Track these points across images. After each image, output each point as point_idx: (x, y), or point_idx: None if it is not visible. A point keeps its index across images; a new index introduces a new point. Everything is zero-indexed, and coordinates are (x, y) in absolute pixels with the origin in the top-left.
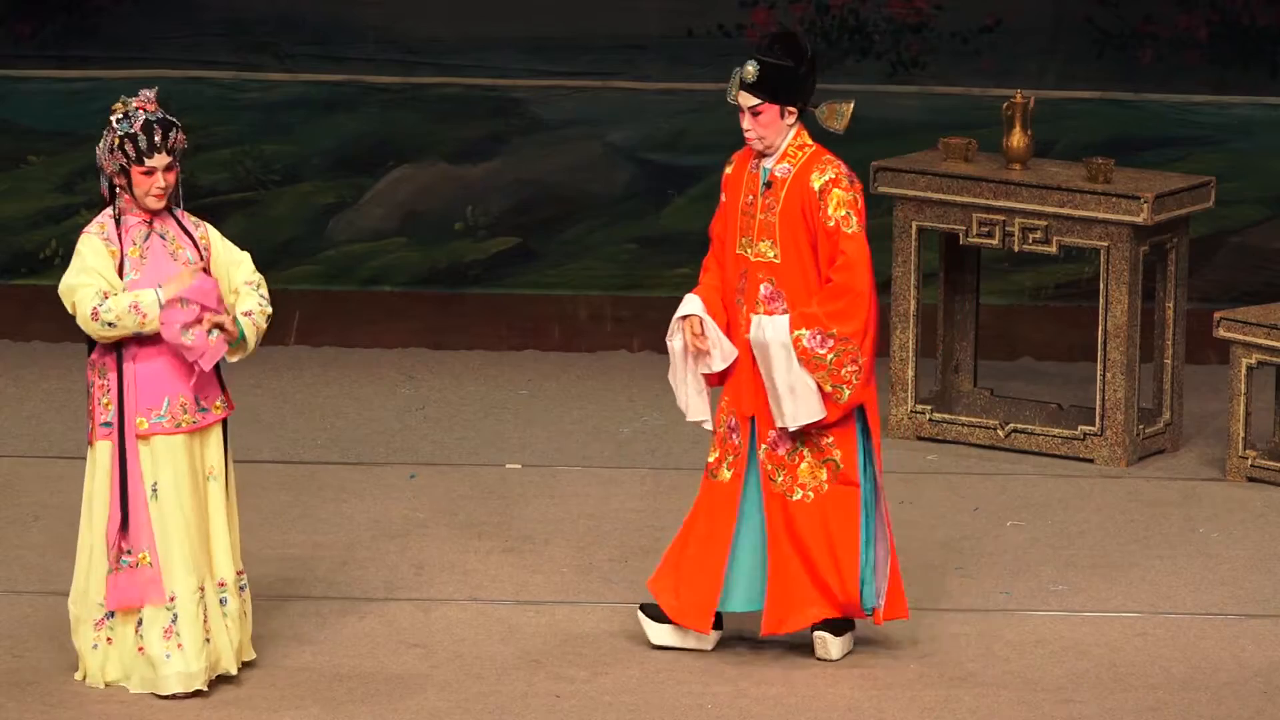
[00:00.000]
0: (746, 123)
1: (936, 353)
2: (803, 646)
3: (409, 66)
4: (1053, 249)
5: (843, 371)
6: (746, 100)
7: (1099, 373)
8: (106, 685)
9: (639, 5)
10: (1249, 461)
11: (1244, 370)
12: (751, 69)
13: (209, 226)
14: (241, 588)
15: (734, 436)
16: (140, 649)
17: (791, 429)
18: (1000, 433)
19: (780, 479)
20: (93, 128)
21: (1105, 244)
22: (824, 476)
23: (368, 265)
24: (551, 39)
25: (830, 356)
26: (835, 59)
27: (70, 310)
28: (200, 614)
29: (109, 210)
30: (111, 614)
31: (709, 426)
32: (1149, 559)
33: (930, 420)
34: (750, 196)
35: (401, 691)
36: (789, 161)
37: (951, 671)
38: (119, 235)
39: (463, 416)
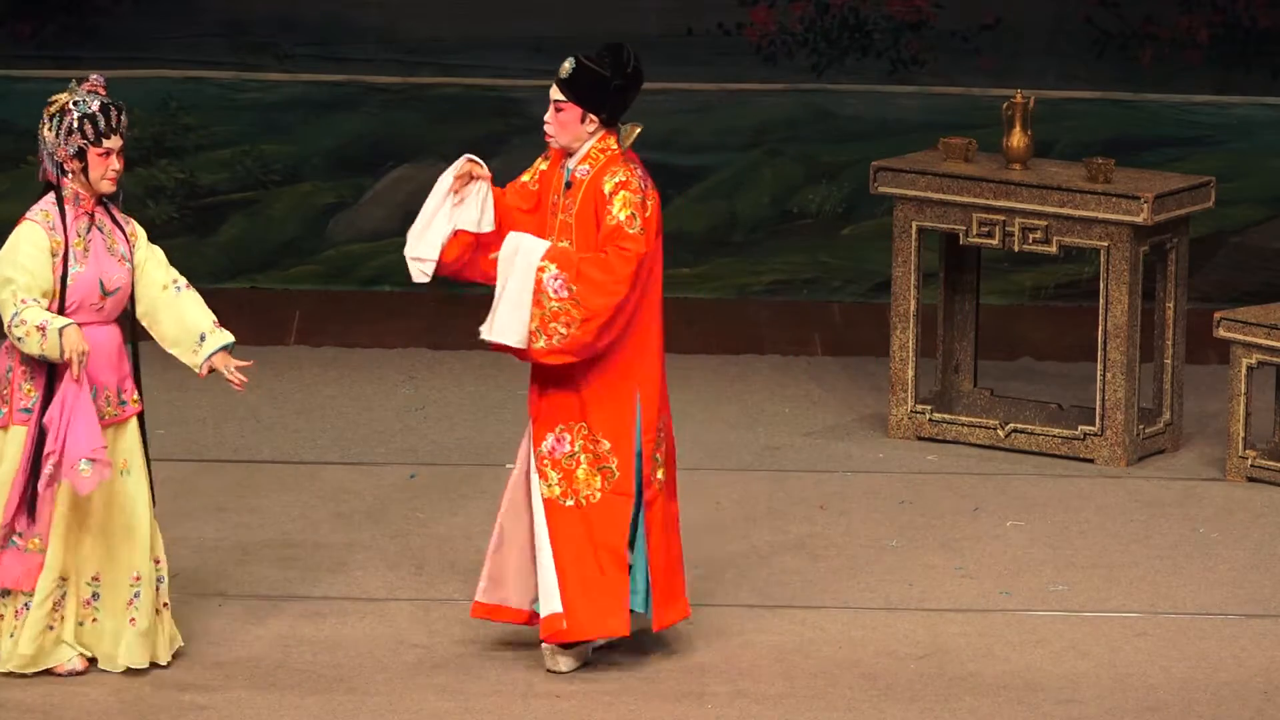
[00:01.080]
0: (548, 115)
1: (936, 353)
2: (803, 647)
3: (409, 66)
4: (1053, 249)
5: (551, 325)
6: (554, 94)
7: (1099, 373)
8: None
9: (639, 5)
10: (1249, 461)
11: (1244, 370)
12: (567, 65)
13: (136, 224)
14: (159, 579)
15: (528, 436)
16: (133, 620)
17: (484, 336)
18: (1000, 433)
19: (555, 483)
20: None
21: (1105, 244)
22: (598, 485)
23: (368, 265)
24: (551, 39)
25: (554, 305)
26: (835, 57)
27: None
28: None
29: (51, 197)
30: (6, 593)
31: (423, 273)
32: (1149, 559)
33: (930, 420)
34: (555, 196)
35: (401, 691)
36: (589, 164)
37: (951, 671)
38: (63, 224)
39: (463, 416)
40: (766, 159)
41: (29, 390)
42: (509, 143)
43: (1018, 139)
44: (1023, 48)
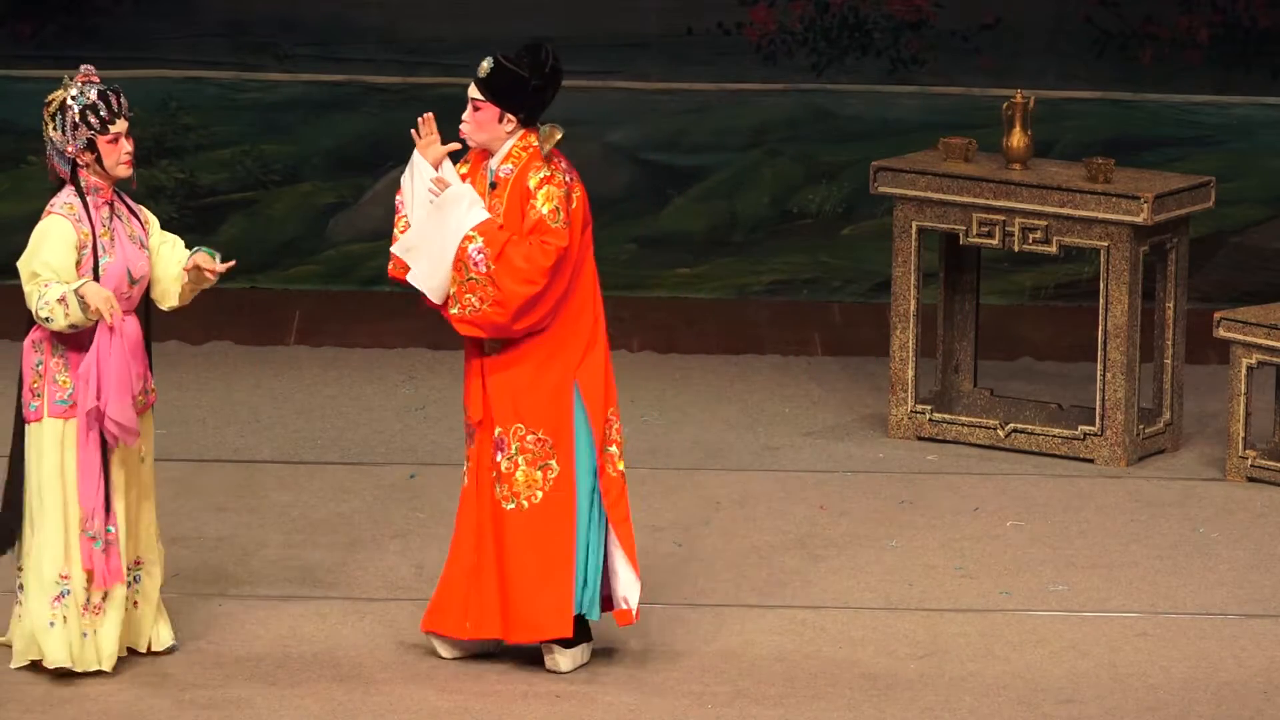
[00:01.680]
0: (466, 113)
1: (936, 353)
2: (803, 647)
3: (409, 66)
4: (1053, 249)
5: (466, 296)
6: (472, 92)
7: (1099, 373)
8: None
9: (639, 5)
10: (1249, 461)
11: (1244, 370)
12: (485, 65)
13: (147, 210)
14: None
15: (470, 442)
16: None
17: (409, 283)
18: (1000, 433)
19: (499, 488)
20: None
21: (1105, 244)
22: (539, 484)
23: (368, 265)
24: (551, 39)
25: (471, 275)
26: (835, 57)
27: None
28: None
29: (71, 190)
30: (68, 591)
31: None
32: (1149, 559)
33: (930, 420)
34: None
35: (401, 691)
36: (513, 162)
37: (951, 671)
38: (88, 216)
39: (462, 416)
40: (766, 159)
41: (65, 381)
42: None
43: (1018, 139)
44: (1023, 47)
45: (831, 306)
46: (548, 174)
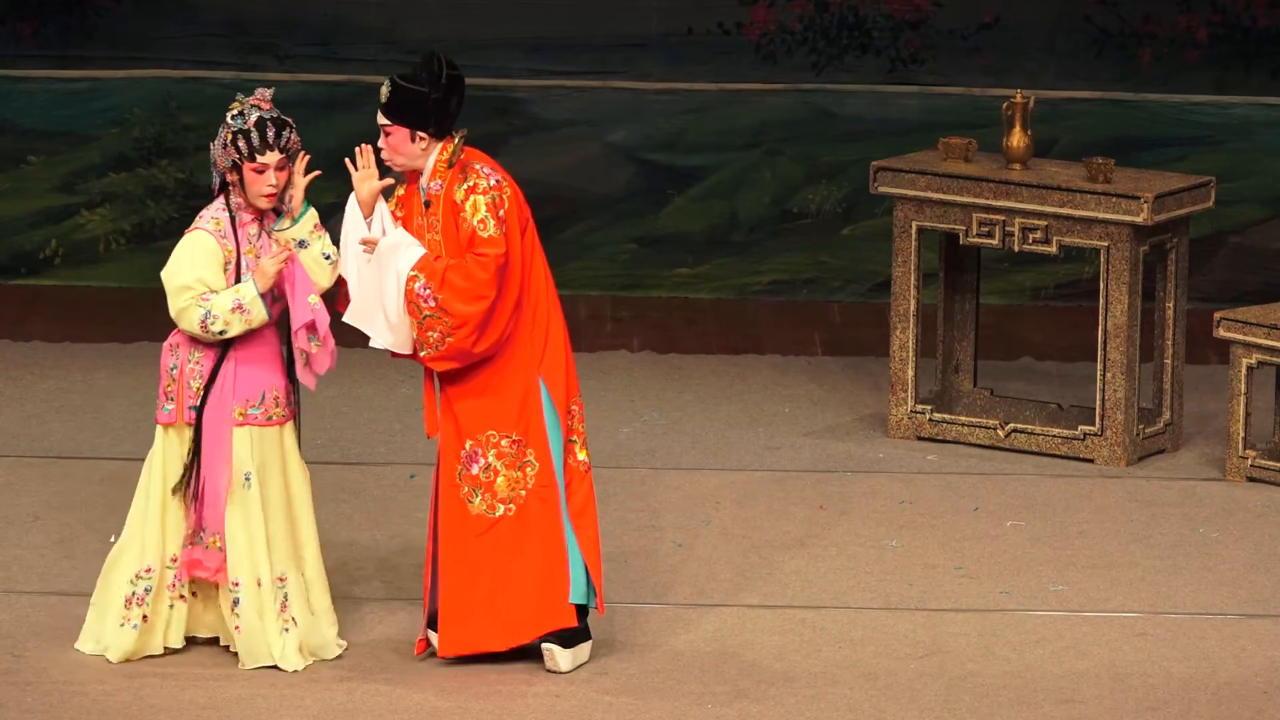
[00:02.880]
0: (380, 141)
1: (936, 353)
2: (802, 647)
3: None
4: (1053, 249)
5: (428, 334)
6: (380, 119)
7: (1099, 373)
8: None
9: (639, 5)
10: (1249, 461)
11: (1244, 370)
12: (384, 90)
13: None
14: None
15: (439, 460)
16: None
17: (376, 345)
18: (1000, 433)
19: (478, 500)
20: (93, 128)
21: (1105, 244)
22: (521, 483)
23: None
24: (551, 39)
25: (426, 313)
26: (834, 56)
27: (171, 305)
28: (270, 601)
29: (221, 204)
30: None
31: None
32: (1149, 559)
33: (930, 420)
34: (419, 218)
35: (402, 691)
36: (439, 178)
37: (951, 671)
38: (234, 232)
39: None
40: (766, 159)
41: (198, 389)
42: (509, 143)
43: (1018, 139)
44: (1022, 46)
45: (831, 306)
46: (471, 183)
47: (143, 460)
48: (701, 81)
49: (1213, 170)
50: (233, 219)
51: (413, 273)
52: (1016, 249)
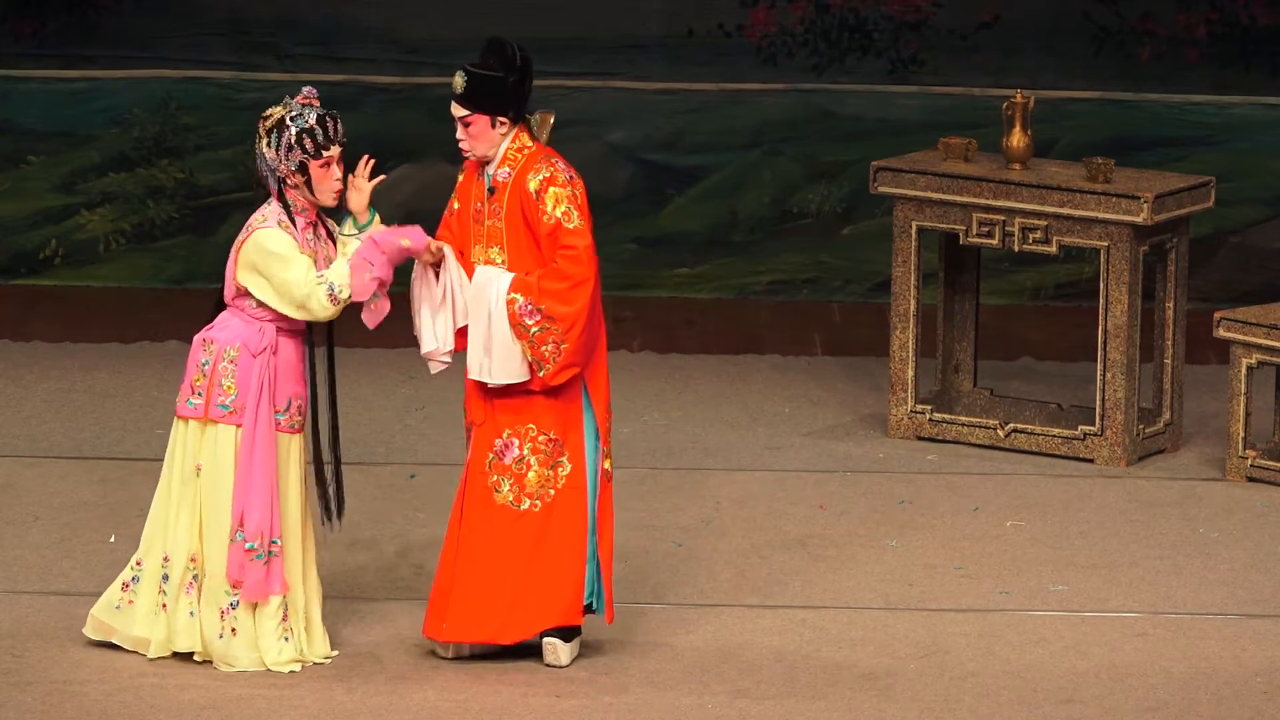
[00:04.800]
0: (459, 133)
1: (936, 353)
2: (802, 647)
3: (409, 66)
4: (1053, 249)
5: (543, 349)
6: (457, 111)
7: (1099, 373)
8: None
9: (639, 5)
10: (1249, 461)
11: (1244, 370)
12: (459, 80)
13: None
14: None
15: (468, 448)
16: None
17: (490, 384)
18: (1000, 433)
19: (506, 490)
20: (93, 128)
21: (1105, 244)
22: (552, 480)
23: None
24: (551, 39)
25: (535, 330)
26: (835, 57)
27: (294, 309)
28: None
29: (278, 207)
30: (236, 603)
31: (443, 364)
32: (1149, 559)
33: (930, 420)
34: (478, 204)
35: (402, 691)
36: (509, 166)
37: (951, 671)
38: (297, 234)
39: (462, 416)
40: (766, 159)
41: (229, 387)
42: None
43: (1018, 139)
44: (1022, 45)
45: (831, 306)
46: (548, 174)
47: (143, 460)
48: (702, 82)
49: (1213, 170)
50: (291, 221)
51: (510, 296)
52: (1016, 249)
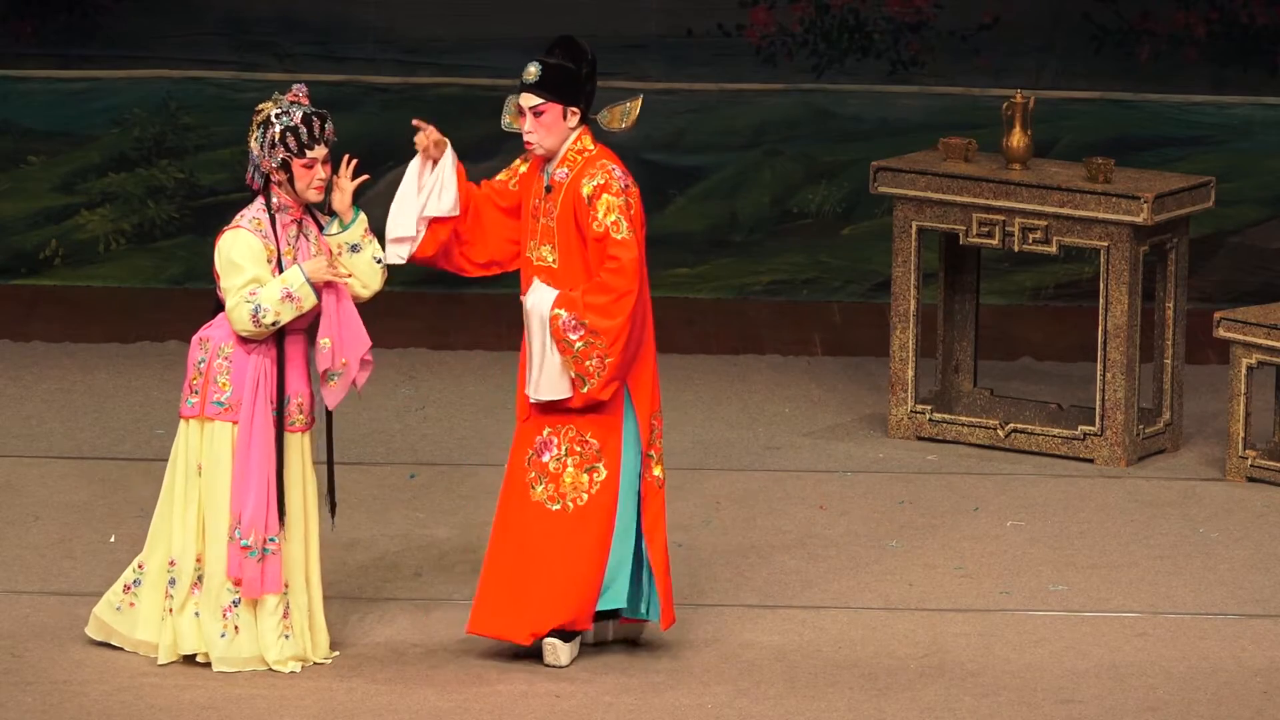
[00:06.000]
0: (528, 125)
1: (936, 353)
2: (803, 647)
3: (409, 66)
4: (1053, 249)
5: (586, 363)
6: (529, 100)
7: (1099, 373)
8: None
9: (639, 5)
10: (1249, 461)
11: (1244, 370)
12: (534, 69)
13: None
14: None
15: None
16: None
17: (532, 399)
18: (1000, 433)
19: (540, 488)
20: (93, 128)
21: (1105, 244)
22: (586, 485)
23: None
24: (551, 39)
25: (578, 345)
26: (835, 58)
27: (226, 314)
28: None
29: (260, 204)
30: (237, 601)
31: (399, 256)
32: (1149, 559)
33: (930, 420)
34: (536, 200)
35: (402, 691)
36: (568, 166)
37: (951, 671)
38: (275, 232)
39: (463, 416)
40: (766, 159)
41: (224, 384)
42: (509, 143)
43: (1018, 139)
44: (1021, 46)
45: (831, 306)
46: (602, 181)
47: (143, 460)
48: (701, 82)
49: (1213, 170)
50: (273, 219)
51: (555, 312)
52: (1016, 249)
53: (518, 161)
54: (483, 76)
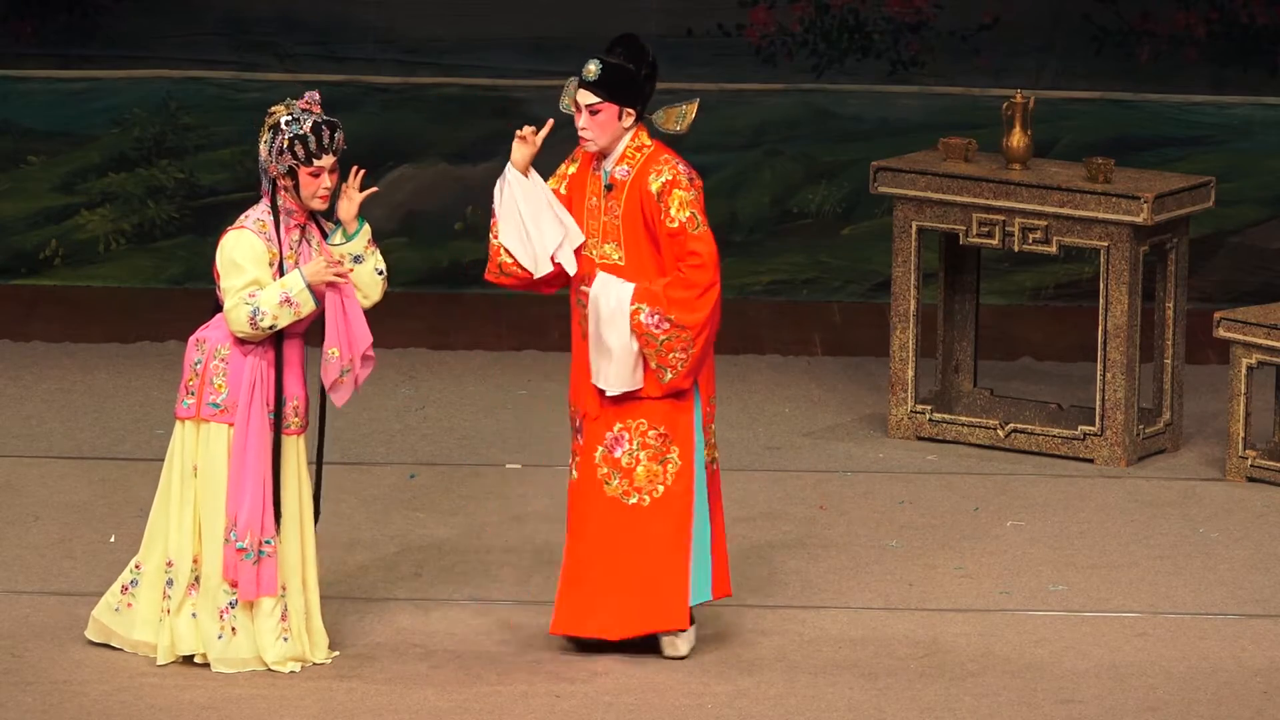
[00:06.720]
0: (583, 121)
1: (936, 353)
2: (803, 647)
3: (409, 66)
4: (1053, 249)
5: (670, 356)
6: (586, 98)
7: (1099, 373)
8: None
9: (639, 5)
10: (1249, 461)
11: (1244, 370)
12: (593, 67)
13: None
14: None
15: (579, 436)
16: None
17: (610, 393)
18: (1000, 433)
19: (615, 483)
20: (93, 128)
21: (1105, 244)
22: (660, 478)
23: None
24: (551, 39)
25: (663, 338)
26: (835, 58)
27: (225, 315)
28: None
29: (265, 205)
30: (234, 602)
31: (568, 249)
32: (1149, 559)
33: (930, 420)
34: (594, 199)
35: (402, 691)
36: (628, 164)
37: (951, 671)
38: (278, 235)
39: (463, 416)
40: (766, 159)
41: (220, 385)
42: (509, 143)
43: (1018, 139)
44: (1021, 46)
45: (831, 306)
46: (670, 177)
47: (142, 460)
48: (701, 82)
49: (1213, 170)
50: (278, 223)
51: (635, 307)
52: (1016, 249)
53: (563, 166)
54: (483, 76)
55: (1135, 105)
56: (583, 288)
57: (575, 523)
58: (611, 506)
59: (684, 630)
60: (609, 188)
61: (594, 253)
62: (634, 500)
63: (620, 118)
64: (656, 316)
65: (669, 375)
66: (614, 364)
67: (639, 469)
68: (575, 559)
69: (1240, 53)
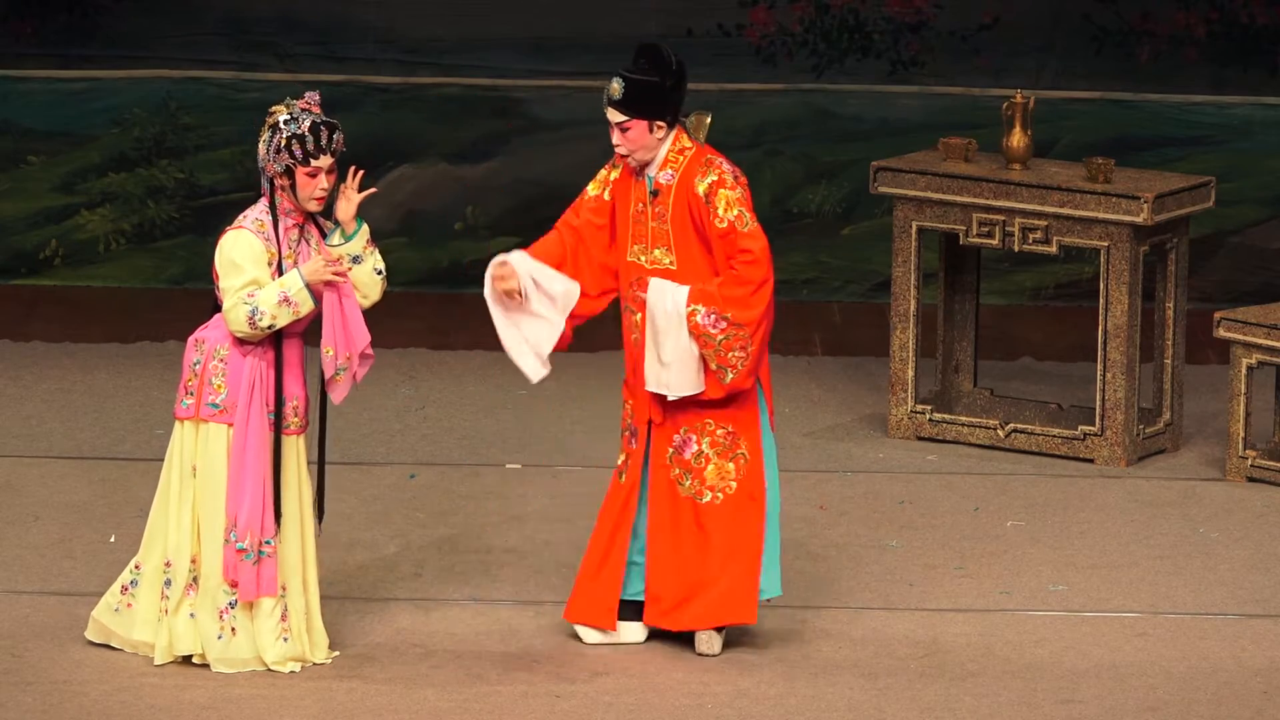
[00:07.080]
0: (616, 138)
1: (936, 353)
2: (803, 647)
3: (409, 66)
4: (1053, 249)
5: (729, 355)
6: (614, 117)
7: (1099, 373)
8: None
9: (639, 5)
10: (1249, 461)
11: (1244, 370)
12: (617, 86)
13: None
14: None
15: (633, 441)
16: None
17: (671, 398)
18: (1000, 433)
19: (689, 483)
20: (93, 128)
21: (1105, 244)
22: (732, 474)
23: None
24: (551, 39)
25: (720, 338)
26: (835, 58)
27: (224, 314)
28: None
29: (264, 205)
30: (234, 602)
31: (537, 373)
32: (1149, 559)
33: (930, 420)
34: (640, 205)
35: (402, 691)
36: (671, 168)
37: (951, 671)
38: (276, 235)
39: (463, 416)
40: (766, 159)
41: (219, 386)
42: (509, 143)
43: (1018, 139)
44: (1021, 46)
45: (831, 306)
46: (715, 178)
47: (142, 460)
48: (701, 82)
49: (1213, 170)
50: (276, 222)
51: (691, 308)
52: (1016, 249)
53: (604, 171)
54: (483, 76)
55: (1135, 105)
56: (637, 294)
57: (654, 526)
58: (687, 506)
59: (750, 624)
60: (654, 193)
61: (643, 259)
62: (707, 499)
63: (650, 130)
64: (713, 316)
65: (730, 376)
66: (675, 368)
67: (709, 468)
68: (656, 559)
69: (1240, 53)
